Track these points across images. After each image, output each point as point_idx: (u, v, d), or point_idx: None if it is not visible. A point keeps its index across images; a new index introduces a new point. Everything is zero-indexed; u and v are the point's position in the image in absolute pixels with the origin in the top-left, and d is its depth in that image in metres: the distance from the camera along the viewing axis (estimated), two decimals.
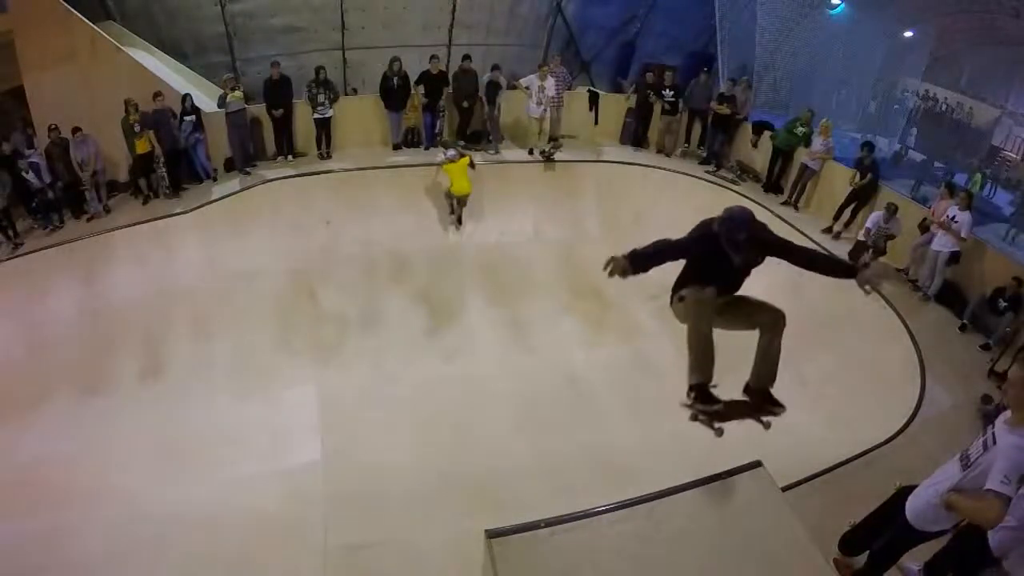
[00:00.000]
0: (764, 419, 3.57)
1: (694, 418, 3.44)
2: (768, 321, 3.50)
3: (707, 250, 3.27)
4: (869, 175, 8.41)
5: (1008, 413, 2.83)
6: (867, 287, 3.22)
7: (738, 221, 3.17)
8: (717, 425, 3.41)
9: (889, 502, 3.45)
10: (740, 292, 3.55)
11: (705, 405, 3.39)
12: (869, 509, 3.61)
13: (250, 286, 8.31)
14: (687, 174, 10.34)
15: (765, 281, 9.08)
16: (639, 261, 3.18)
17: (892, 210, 7.67)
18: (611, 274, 3.17)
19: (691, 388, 3.42)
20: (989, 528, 2.92)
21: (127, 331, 7.53)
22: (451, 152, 9.38)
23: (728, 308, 3.48)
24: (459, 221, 9.69)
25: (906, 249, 7.86)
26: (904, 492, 3.30)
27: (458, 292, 8.74)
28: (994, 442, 2.77)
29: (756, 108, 11.10)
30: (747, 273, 3.44)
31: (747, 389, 3.61)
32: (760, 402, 3.56)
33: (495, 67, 10.35)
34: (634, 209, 10.09)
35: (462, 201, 9.48)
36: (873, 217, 7.83)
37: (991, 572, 3.15)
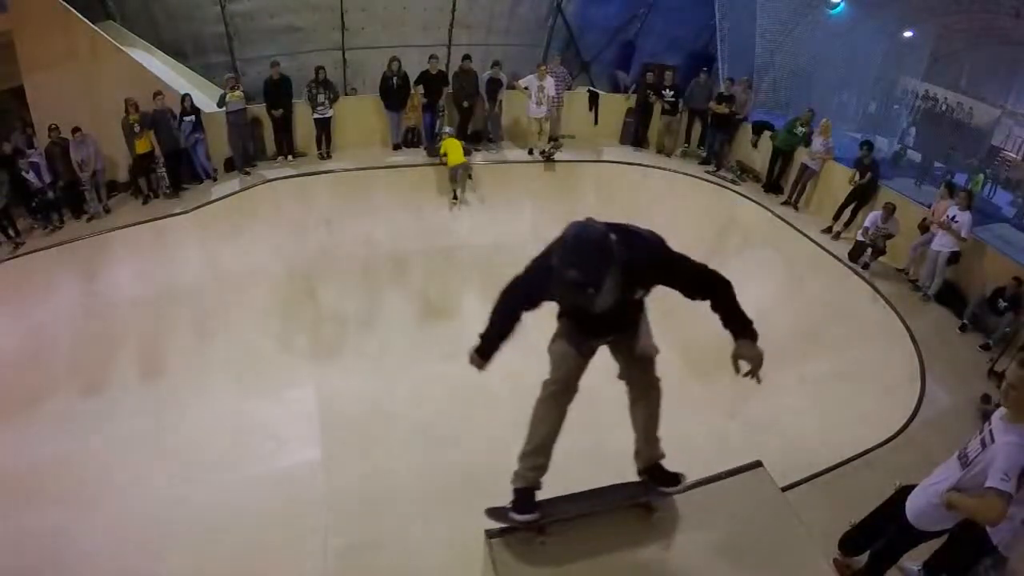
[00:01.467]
0: (653, 502, 2.91)
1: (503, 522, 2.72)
2: (637, 392, 2.76)
3: (551, 291, 2.27)
4: (869, 175, 8.42)
5: (1003, 410, 2.83)
6: (741, 363, 2.35)
7: (569, 250, 1.98)
8: (541, 540, 2.76)
9: (889, 502, 3.45)
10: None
11: (522, 514, 2.66)
12: (869, 509, 3.60)
13: (250, 286, 8.31)
14: (687, 174, 10.35)
15: (763, 281, 9.01)
16: (488, 348, 2.62)
17: (890, 209, 7.68)
18: (479, 369, 2.66)
19: (515, 489, 2.69)
20: (991, 526, 2.92)
21: (127, 331, 7.54)
22: (449, 128, 9.96)
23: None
24: (455, 196, 9.81)
25: (906, 249, 7.86)
26: (904, 492, 3.29)
27: (457, 292, 8.74)
28: (992, 440, 2.77)
29: (756, 108, 11.10)
30: (630, 312, 2.50)
31: (640, 471, 2.92)
32: (653, 482, 2.88)
33: (496, 63, 10.35)
34: (634, 209, 10.08)
35: (458, 174, 9.67)
36: (871, 217, 7.84)
37: (989, 564, 3.16)
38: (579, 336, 2.57)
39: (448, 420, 6.67)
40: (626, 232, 2.19)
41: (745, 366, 2.34)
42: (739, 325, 2.36)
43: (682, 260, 2.30)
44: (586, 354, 2.63)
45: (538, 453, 2.68)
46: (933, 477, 3.11)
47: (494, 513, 2.74)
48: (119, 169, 9.22)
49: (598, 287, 1.94)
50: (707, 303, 2.40)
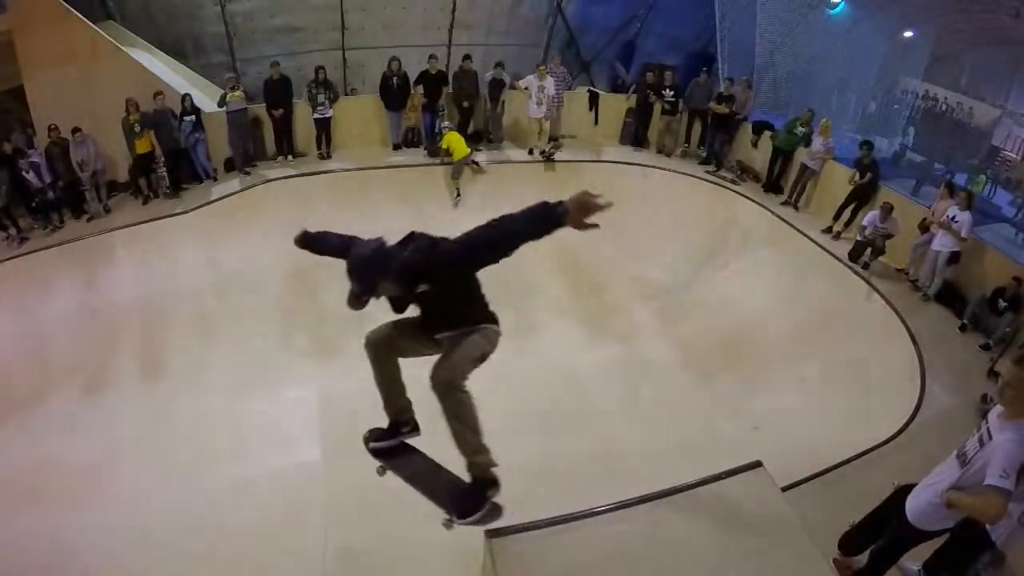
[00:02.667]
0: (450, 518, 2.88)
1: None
2: (437, 385, 2.71)
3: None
4: (869, 175, 8.42)
5: (1000, 408, 2.83)
6: (584, 220, 2.29)
7: (349, 268, 2.50)
8: (381, 465, 3.12)
9: (888, 502, 3.44)
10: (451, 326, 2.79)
11: (376, 441, 3.11)
12: (869, 509, 3.60)
13: (250, 286, 8.31)
14: (687, 174, 10.34)
15: (763, 282, 9.03)
16: (313, 240, 3.09)
17: (888, 209, 7.68)
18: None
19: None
20: (991, 524, 2.92)
21: (127, 331, 7.54)
22: (448, 123, 9.94)
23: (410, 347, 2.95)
24: (458, 193, 9.83)
25: (906, 249, 7.86)
26: (903, 491, 3.29)
27: None
28: (990, 437, 2.78)
29: (756, 108, 11.10)
30: (426, 300, 2.72)
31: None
32: (473, 493, 2.85)
33: (499, 64, 10.36)
34: (634, 209, 10.09)
35: (463, 167, 9.69)
36: (869, 216, 7.84)
37: (987, 561, 3.16)
38: (394, 312, 2.90)
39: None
40: (413, 244, 2.61)
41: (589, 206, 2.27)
42: (542, 214, 2.32)
43: (454, 250, 2.52)
44: (404, 333, 2.92)
45: (386, 403, 3.11)
46: (932, 476, 3.11)
47: (372, 434, 3.21)
48: (119, 169, 9.22)
49: (372, 289, 2.47)
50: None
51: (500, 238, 2.43)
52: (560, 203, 2.28)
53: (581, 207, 2.25)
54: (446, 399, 2.75)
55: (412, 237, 2.64)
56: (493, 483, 2.85)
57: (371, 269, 2.46)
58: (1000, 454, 2.66)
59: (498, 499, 2.88)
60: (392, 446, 3.18)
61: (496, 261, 2.47)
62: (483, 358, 2.82)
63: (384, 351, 2.96)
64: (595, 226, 2.29)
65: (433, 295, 2.63)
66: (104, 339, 7.37)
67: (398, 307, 2.83)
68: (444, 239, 2.59)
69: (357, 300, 2.47)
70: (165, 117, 8.78)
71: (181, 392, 6.88)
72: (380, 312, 2.87)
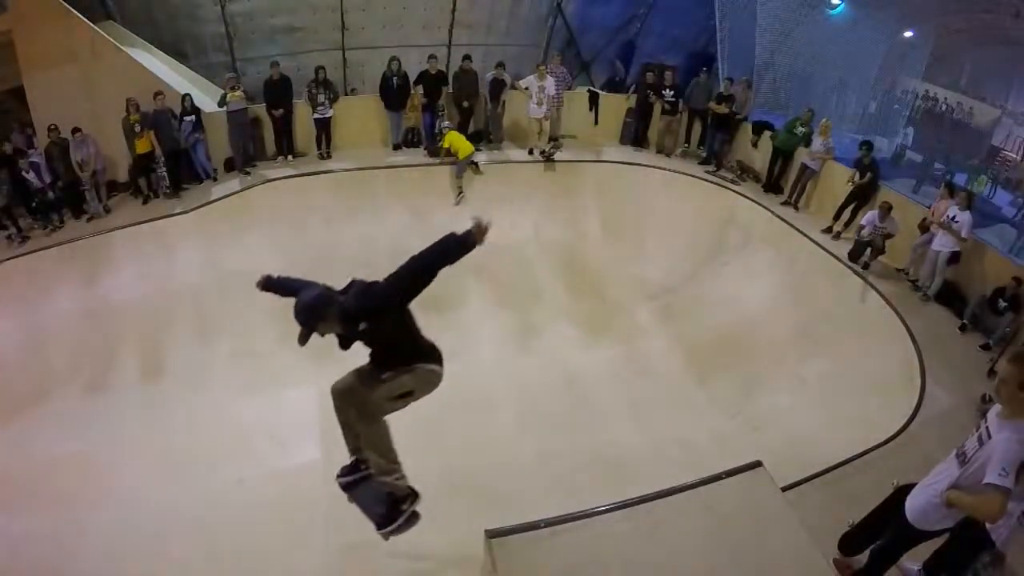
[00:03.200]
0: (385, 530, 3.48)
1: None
2: (361, 416, 3.37)
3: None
4: (869, 175, 8.42)
5: (999, 407, 2.83)
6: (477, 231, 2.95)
7: (295, 310, 2.95)
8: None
9: (888, 502, 3.44)
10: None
11: (343, 476, 3.65)
12: (869, 509, 3.60)
13: (250, 286, 8.27)
14: (687, 174, 10.34)
15: (763, 282, 9.04)
16: (277, 285, 3.54)
17: (886, 208, 7.68)
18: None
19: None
20: (992, 522, 2.92)
21: (127, 331, 7.53)
22: (448, 123, 9.97)
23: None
24: (460, 191, 9.85)
25: (906, 249, 7.87)
26: (903, 491, 3.29)
27: (458, 292, 8.72)
28: (988, 436, 2.78)
29: (756, 108, 11.10)
30: (375, 341, 3.21)
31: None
32: (389, 507, 3.47)
33: (500, 64, 10.36)
34: (634, 209, 10.10)
35: (465, 167, 9.73)
36: (868, 216, 7.84)
37: (987, 560, 3.16)
38: (340, 349, 3.33)
39: (448, 419, 6.66)
40: (352, 289, 3.10)
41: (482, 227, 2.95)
42: (456, 245, 2.99)
43: (384, 288, 3.03)
44: (363, 380, 3.39)
45: (347, 443, 3.62)
46: (932, 476, 3.11)
47: (341, 470, 3.70)
48: (119, 169, 9.22)
49: (312, 330, 2.94)
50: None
51: (422, 270, 2.99)
52: (468, 232, 2.94)
53: (481, 232, 2.95)
54: (364, 428, 3.35)
55: (352, 283, 3.12)
56: (406, 497, 3.47)
57: (309, 313, 2.92)
58: (999, 452, 2.66)
59: (417, 507, 3.54)
60: (355, 480, 3.61)
61: (421, 290, 3.01)
62: (407, 395, 3.28)
63: (345, 399, 3.41)
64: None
65: (373, 333, 3.09)
66: (104, 339, 7.37)
67: (343, 345, 3.24)
68: (376, 281, 3.07)
69: (302, 338, 2.96)
70: (165, 117, 8.78)
71: (181, 392, 6.89)
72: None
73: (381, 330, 3.08)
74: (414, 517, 3.53)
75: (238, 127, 9.32)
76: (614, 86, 12.82)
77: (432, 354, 3.31)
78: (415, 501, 3.53)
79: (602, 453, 6.26)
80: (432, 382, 3.34)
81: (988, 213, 11.50)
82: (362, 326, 3.03)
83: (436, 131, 10.31)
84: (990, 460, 2.67)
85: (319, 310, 2.94)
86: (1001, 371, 2.76)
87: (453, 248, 2.97)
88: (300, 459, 6.19)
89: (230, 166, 9.73)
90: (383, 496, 3.49)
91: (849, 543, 3.71)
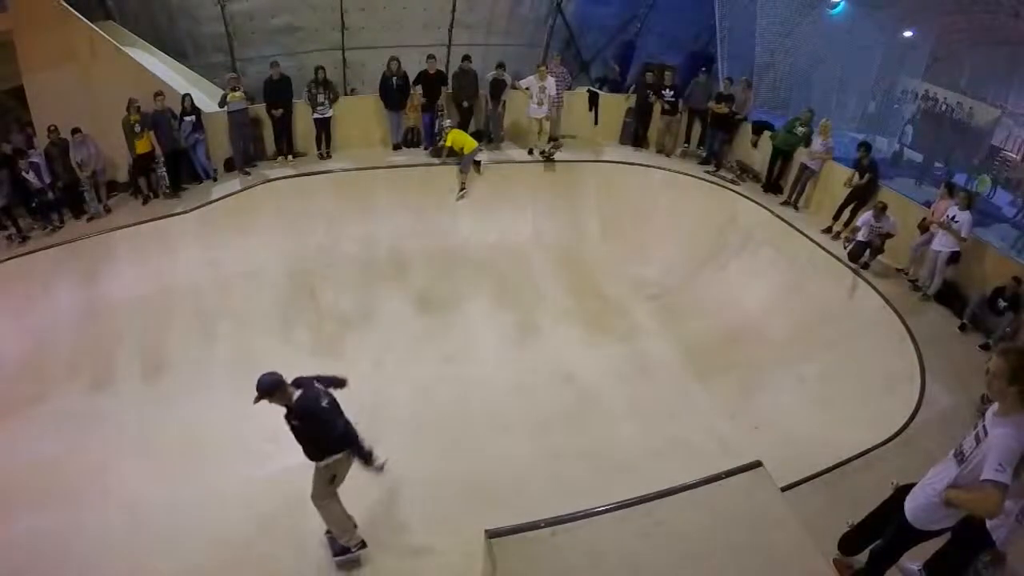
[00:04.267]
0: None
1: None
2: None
3: None
4: (868, 175, 8.42)
5: (996, 405, 2.84)
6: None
7: (257, 386, 4.13)
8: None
9: (888, 502, 3.45)
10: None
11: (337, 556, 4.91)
12: (869, 509, 3.60)
13: (250, 285, 8.32)
14: (687, 174, 10.35)
15: (763, 282, 9.04)
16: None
17: (881, 208, 7.67)
18: None
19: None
20: (990, 519, 2.92)
21: (127, 331, 7.53)
22: (449, 121, 10.02)
23: None
24: (463, 187, 9.87)
25: (906, 249, 7.86)
26: (902, 492, 3.30)
27: (458, 292, 8.74)
28: (985, 434, 2.79)
29: (756, 108, 11.10)
30: (304, 438, 4.38)
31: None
32: (343, 547, 4.88)
33: (500, 64, 10.36)
34: (634, 209, 10.10)
35: (470, 164, 9.76)
36: (864, 217, 7.83)
37: (987, 560, 3.16)
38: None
39: (449, 420, 6.68)
40: (303, 385, 4.36)
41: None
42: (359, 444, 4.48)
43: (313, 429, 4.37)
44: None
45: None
46: (930, 476, 3.11)
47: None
48: (119, 169, 9.22)
49: (258, 401, 4.14)
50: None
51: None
52: (368, 453, 4.61)
53: (376, 466, 4.63)
54: (316, 507, 4.59)
55: (313, 383, 4.38)
56: (355, 548, 4.86)
57: (260, 390, 4.12)
58: (996, 448, 2.67)
59: (363, 552, 4.90)
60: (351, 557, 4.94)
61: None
62: (331, 481, 4.48)
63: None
64: None
65: (295, 431, 4.31)
66: (104, 339, 7.37)
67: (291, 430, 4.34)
68: (318, 398, 4.32)
69: (255, 400, 4.11)
70: (165, 117, 8.77)
71: (181, 392, 6.88)
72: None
73: (297, 434, 4.33)
74: (361, 547, 4.91)
75: (238, 127, 9.32)
76: (604, 84, 12.83)
77: (332, 448, 4.38)
78: (362, 547, 4.89)
79: (602, 453, 6.26)
80: (336, 471, 4.46)
81: (988, 213, 11.52)
82: (293, 422, 4.26)
83: (437, 131, 10.33)
84: (987, 457, 2.68)
85: (266, 390, 4.13)
86: (991, 365, 2.77)
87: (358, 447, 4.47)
88: (301, 458, 6.16)
89: (230, 166, 9.73)
90: (339, 547, 4.89)
91: (849, 543, 3.71)
